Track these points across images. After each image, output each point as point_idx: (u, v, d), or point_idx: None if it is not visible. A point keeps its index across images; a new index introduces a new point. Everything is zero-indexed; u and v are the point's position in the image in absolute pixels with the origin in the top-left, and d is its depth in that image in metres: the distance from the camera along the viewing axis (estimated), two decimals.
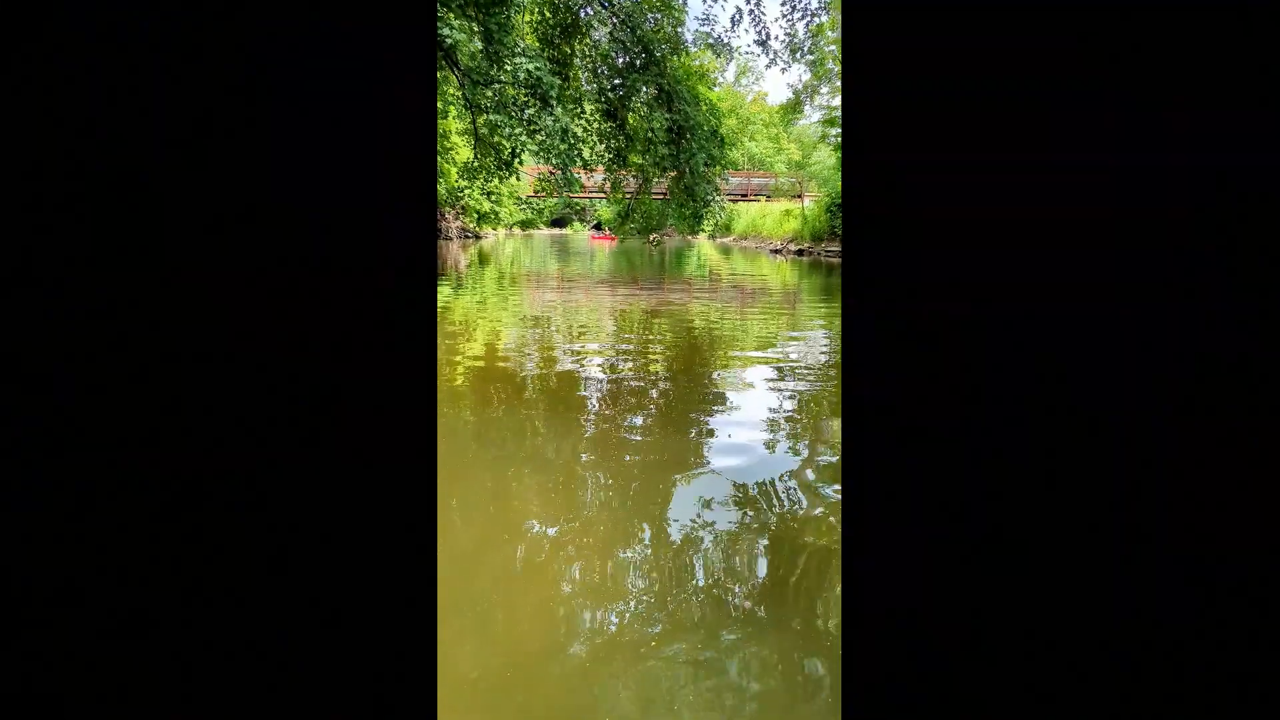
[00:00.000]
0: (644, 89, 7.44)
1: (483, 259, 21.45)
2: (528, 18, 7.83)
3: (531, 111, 6.34)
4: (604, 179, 8.92)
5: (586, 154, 8.41)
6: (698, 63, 8.82)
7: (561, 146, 6.36)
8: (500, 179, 8.47)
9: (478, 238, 32.71)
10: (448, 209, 28.73)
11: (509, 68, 6.12)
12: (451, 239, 29.95)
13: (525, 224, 46.82)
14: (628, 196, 9.25)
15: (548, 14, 7.84)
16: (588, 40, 7.91)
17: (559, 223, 56.52)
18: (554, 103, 6.17)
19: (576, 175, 7.49)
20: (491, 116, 6.26)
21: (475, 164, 8.26)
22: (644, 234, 9.64)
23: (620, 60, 7.72)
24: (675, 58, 7.57)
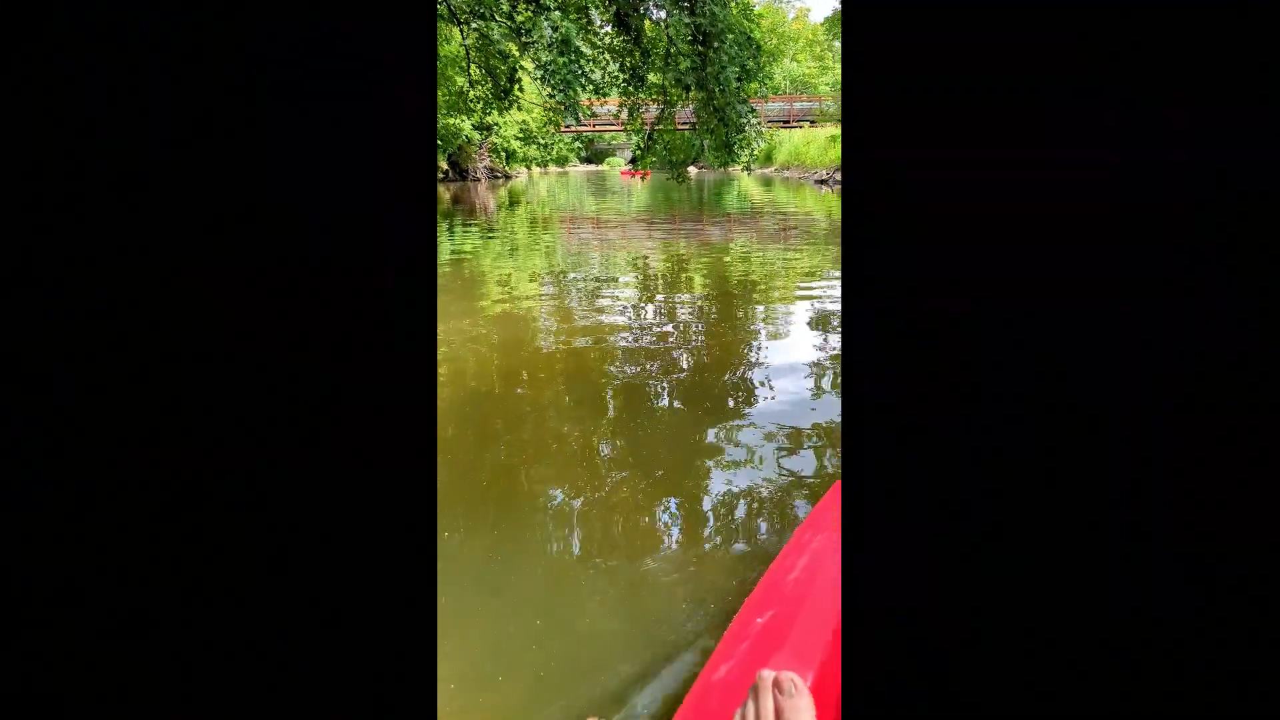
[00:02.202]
0: None
1: (514, 200, 20.55)
2: None
3: (523, 19, 5.09)
4: (620, 106, 7.61)
5: (597, 75, 7.15)
6: None
7: (561, 61, 5.10)
8: (500, 110, 7.29)
9: (507, 178, 31.46)
10: (469, 149, 27.41)
11: None
12: (479, 180, 28.82)
13: (560, 161, 45.36)
14: (647, 126, 7.94)
15: None
16: None
17: (593, 159, 54.88)
18: (549, 5, 4.90)
19: (587, 104, 6.25)
20: (475, 24, 4.98)
21: (470, 92, 7.07)
22: (673, 168, 8.35)
23: None
24: None
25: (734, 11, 6.51)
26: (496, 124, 25.31)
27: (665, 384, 3.92)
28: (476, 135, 27.24)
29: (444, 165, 27.82)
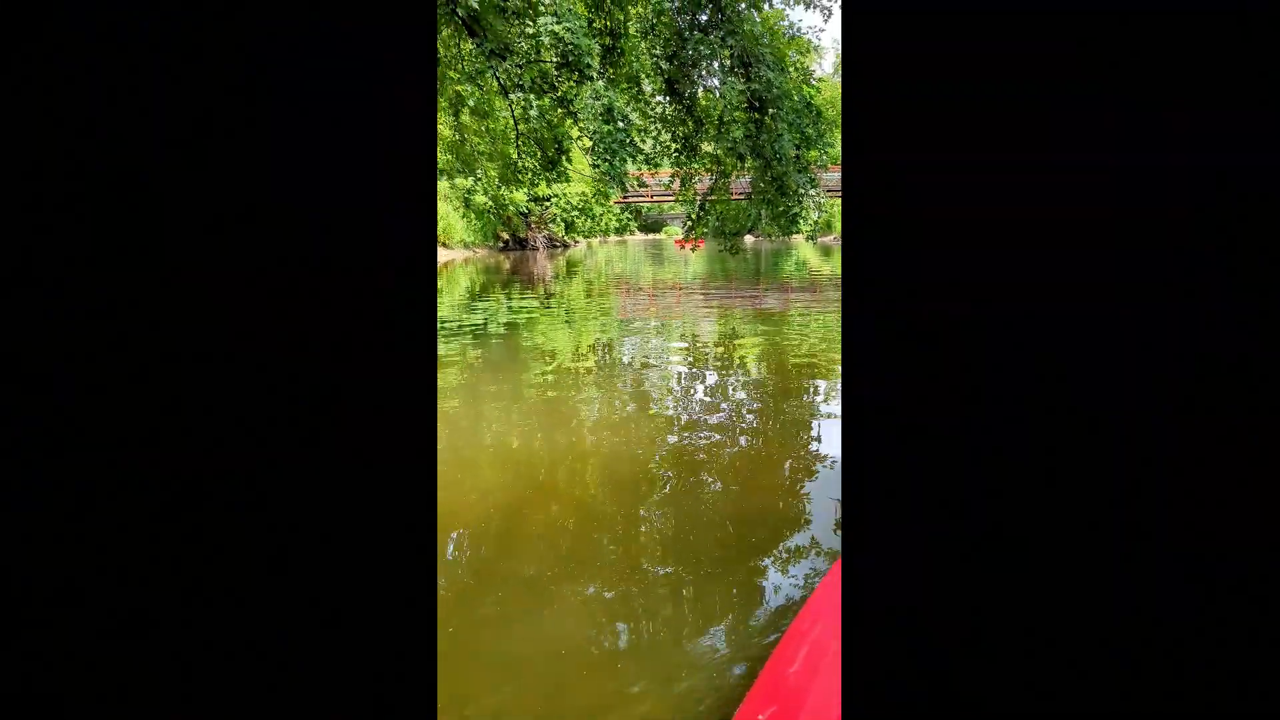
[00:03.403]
0: (710, 52, 5.69)
1: (571, 269, 20.73)
2: None
3: (566, 87, 4.83)
4: (672, 177, 7.30)
5: (648, 146, 6.87)
6: (791, 32, 7.03)
7: (605, 130, 4.79)
8: (548, 182, 7.08)
9: (565, 246, 31.90)
10: (517, 220, 27.83)
11: (531, 31, 4.63)
12: (538, 249, 29.24)
13: (620, 230, 46.01)
14: (700, 196, 7.59)
15: None
16: (645, 2, 6.25)
17: (653, 228, 55.68)
18: (592, 75, 4.63)
19: (636, 175, 5.89)
20: (515, 96, 4.72)
21: (518, 162, 6.88)
22: (726, 238, 7.96)
23: (680, 20, 5.93)
24: (754, 13, 5.76)
25: (793, 77, 6.17)
26: (555, 195, 25.72)
27: (718, 474, 3.39)
28: (536, 207, 27.75)
29: (504, 235, 28.37)
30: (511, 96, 4.49)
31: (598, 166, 4.97)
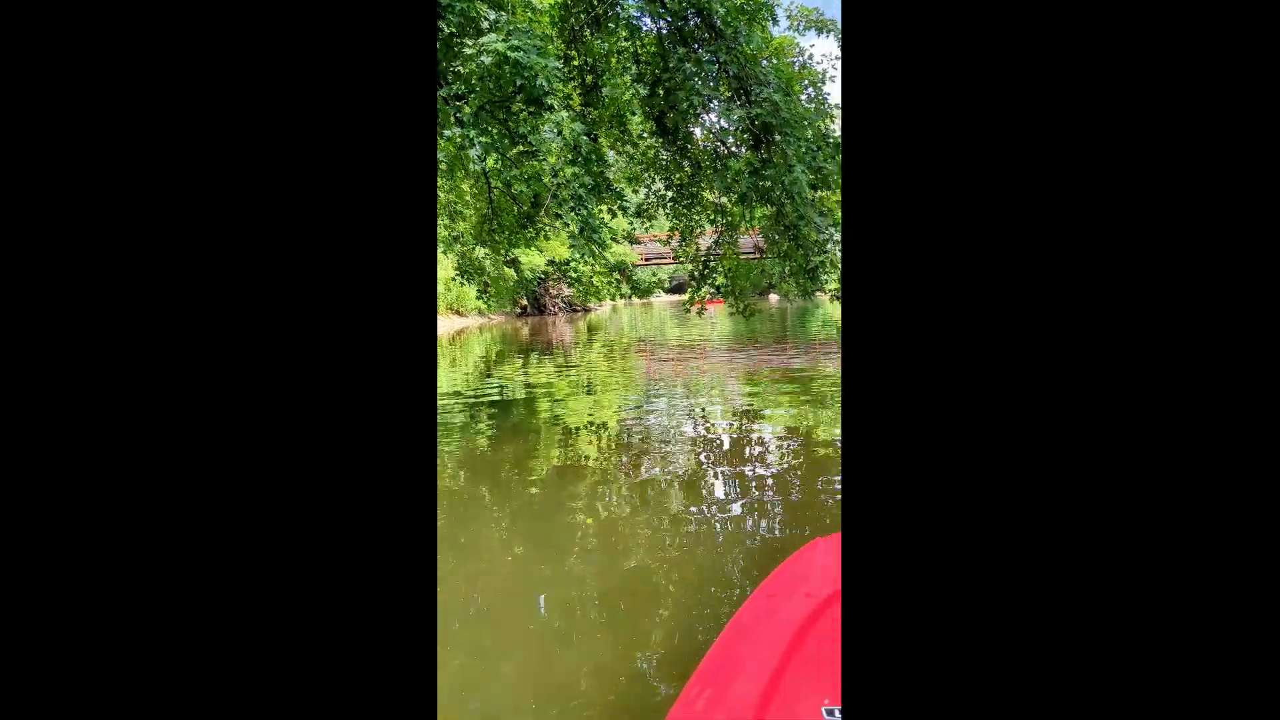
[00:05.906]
0: (698, 72, 4.65)
1: (591, 333, 20.06)
2: (544, 21, 5.42)
3: (519, 121, 3.85)
4: (671, 233, 6.29)
5: (640, 196, 5.90)
6: (801, 60, 6.07)
7: (569, 173, 3.73)
8: (525, 241, 6.14)
9: (586, 310, 31.17)
10: (505, 284, 27.09)
11: (471, 50, 3.63)
12: (555, 314, 28.52)
13: (644, 292, 45.58)
14: (704, 254, 6.55)
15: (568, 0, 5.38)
16: (623, 30, 5.32)
17: (678, 289, 55.39)
18: (551, 104, 3.62)
19: (607, 226, 4.81)
20: (452, 132, 3.69)
21: (491, 220, 5.95)
22: (738, 300, 6.90)
23: (666, 43, 4.95)
24: (752, 29, 4.74)
25: (801, 105, 5.10)
26: (573, 259, 24.96)
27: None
28: (551, 269, 27.12)
29: (522, 301, 27.76)
30: (446, 134, 3.48)
31: (560, 217, 3.90)
